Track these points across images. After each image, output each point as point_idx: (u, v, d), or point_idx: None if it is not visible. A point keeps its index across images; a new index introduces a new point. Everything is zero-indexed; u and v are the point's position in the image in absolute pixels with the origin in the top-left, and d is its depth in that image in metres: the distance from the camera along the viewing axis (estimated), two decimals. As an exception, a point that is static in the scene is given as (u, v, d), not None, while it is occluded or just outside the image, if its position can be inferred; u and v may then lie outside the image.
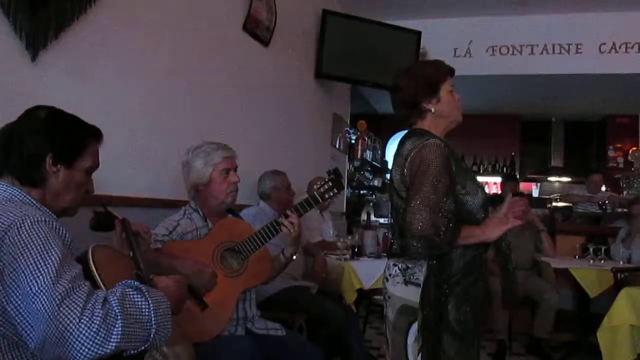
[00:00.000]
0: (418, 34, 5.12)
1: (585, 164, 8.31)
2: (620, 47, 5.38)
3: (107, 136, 1.43)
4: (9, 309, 1.13)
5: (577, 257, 4.60)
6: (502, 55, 5.74)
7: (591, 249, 4.45)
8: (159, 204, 2.52)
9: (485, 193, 1.80)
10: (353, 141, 6.05)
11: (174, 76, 2.74)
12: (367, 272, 3.49)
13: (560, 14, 5.46)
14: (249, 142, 3.39)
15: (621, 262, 4.17)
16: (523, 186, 8.03)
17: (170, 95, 2.72)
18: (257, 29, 3.60)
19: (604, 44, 5.41)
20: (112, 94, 2.31)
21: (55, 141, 1.30)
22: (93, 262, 1.31)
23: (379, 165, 7.26)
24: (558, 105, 7.60)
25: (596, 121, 8.28)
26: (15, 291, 1.12)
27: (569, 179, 8.23)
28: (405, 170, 1.71)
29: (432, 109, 1.79)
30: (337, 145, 5.56)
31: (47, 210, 1.28)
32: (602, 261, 4.27)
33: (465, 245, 1.67)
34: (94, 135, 1.39)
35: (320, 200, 2.33)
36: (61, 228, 1.23)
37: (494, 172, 8.22)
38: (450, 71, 1.85)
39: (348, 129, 5.92)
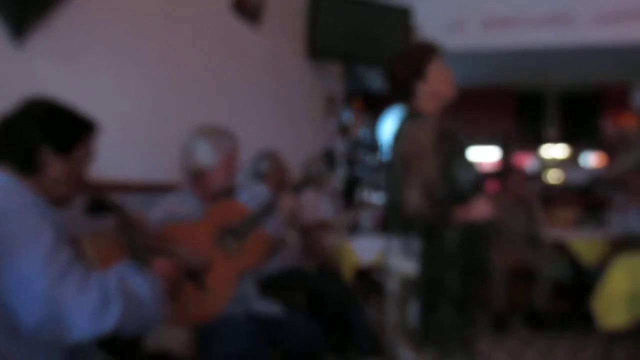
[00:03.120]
0: (407, 12, 5.09)
1: (580, 136, 8.32)
2: (614, 18, 5.34)
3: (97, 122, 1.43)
4: (3, 294, 1.14)
5: (572, 228, 4.64)
6: (495, 29, 5.70)
7: (586, 219, 4.49)
8: (153, 188, 2.51)
9: (477, 170, 1.83)
10: (347, 120, 6.03)
11: (163, 59, 2.71)
12: (365, 249, 3.51)
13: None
14: (240, 122, 3.37)
15: (618, 233, 4.20)
16: (518, 159, 8.05)
17: (160, 78, 2.70)
18: (246, 7, 3.56)
19: (599, 14, 5.37)
20: (100, 79, 2.29)
21: (53, 132, 1.32)
22: (89, 246, 1.32)
23: (373, 144, 7.26)
24: (553, 78, 7.59)
25: (591, 93, 8.26)
26: (10, 276, 1.13)
27: (564, 151, 8.25)
28: (402, 152, 1.81)
29: (423, 90, 1.86)
30: (331, 125, 5.54)
31: (42, 199, 1.29)
32: (598, 231, 4.31)
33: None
34: (90, 126, 1.40)
35: (316, 180, 2.34)
36: (55, 215, 1.24)
37: (492, 142, 8.22)
38: (436, 50, 1.91)
39: (342, 107, 5.90)
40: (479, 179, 1.80)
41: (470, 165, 1.78)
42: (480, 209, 1.72)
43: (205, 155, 2.20)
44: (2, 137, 1.31)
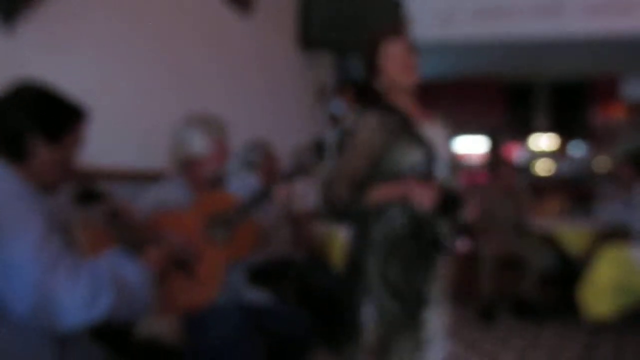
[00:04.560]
0: (399, 3, 5.08)
1: (569, 126, 8.38)
2: (604, 9, 5.36)
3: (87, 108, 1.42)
4: None
5: (560, 218, 4.68)
6: (485, 20, 5.70)
7: (574, 210, 4.54)
8: (141, 176, 2.51)
9: (424, 154, 1.75)
10: (337, 110, 6.02)
11: (153, 48, 2.70)
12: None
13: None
14: (229, 111, 3.36)
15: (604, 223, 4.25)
16: (507, 150, 8.11)
17: (149, 67, 2.69)
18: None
19: (588, 6, 5.39)
20: (89, 68, 2.28)
21: (42, 119, 1.30)
22: (79, 234, 1.32)
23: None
24: (542, 69, 7.62)
25: (580, 84, 8.32)
26: (1, 263, 1.13)
27: (552, 142, 8.31)
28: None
29: (383, 83, 1.82)
30: (322, 115, 5.54)
31: (31, 185, 1.28)
32: (585, 222, 4.35)
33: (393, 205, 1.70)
34: (80, 113, 1.39)
35: (306, 169, 2.34)
36: (44, 202, 1.24)
37: (480, 133, 8.25)
38: (386, 37, 1.83)
39: (332, 97, 5.89)
40: (427, 164, 1.72)
41: (415, 152, 1.72)
42: (419, 193, 1.63)
43: (197, 143, 2.19)
44: None
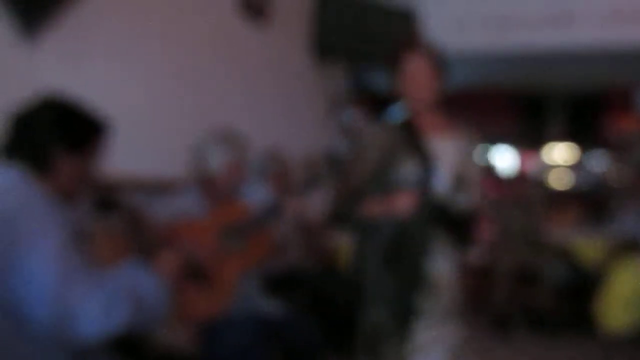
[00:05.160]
0: (412, 14, 5.10)
1: (584, 138, 8.31)
2: (618, 19, 5.33)
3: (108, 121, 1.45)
4: (13, 292, 1.15)
5: (575, 230, 4.63)
6: (498, 31, 5.70)
7: (589, 222, 4.49)
8: (158, 185, 2.53)
9: (420, 167, 1.76)
10: (351, 121, 6.03)
11: (169, 57, 2.73)
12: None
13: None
14: (243, 120, 3.38)
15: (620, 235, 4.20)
16: (521, 161, 8.07)
17: (166, 76, 2.72)
18: (251, 7, 3.57)
19: (603, 16, 5.36)
20: (107, 77, 2.31)
21: (64, 132, 1.34)
22: (96, 244, 1.33)
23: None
24: (556, 79, 7.58)
25: (594, 94, 8.26)
26: (19, 274, 1.14)
27: (567, 153, 8.25)
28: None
29: (400, 95, 1.84)
30: (335, 125, 5.54)
31: (52, 196, 1.31)
32: (600, 233, 4.31)
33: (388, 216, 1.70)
34: (102, 126, 1.42)
35: (319, 181, 2.35)
36: (64, 213, 1.25)
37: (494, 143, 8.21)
38: (401, 50, 1.84)
39: (346, 108, 5.90)
40: (421, 176, 1.73)
41: (410, 164, 1.73)
42: (397, 203, 1.65)
43: (216, 161, 2.22)
44: (16, 135, 1.33)
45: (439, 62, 1.84)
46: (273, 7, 3.80)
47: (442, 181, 1.76)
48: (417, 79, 1.80)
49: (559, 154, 8.32)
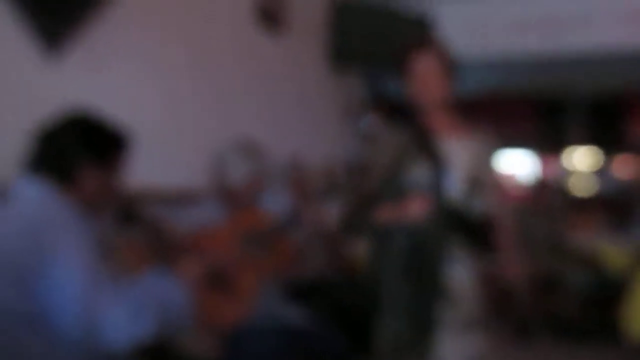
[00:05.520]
0: (428, 20, 5.09)
1: (607, 142, 8.18)
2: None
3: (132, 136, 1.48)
4: (41, 300, 1.17)
5: (599, 236, 4.56)
6: (517, 34, 5.66)
7: (613, 228, 4.43)
8: (177, 196, 2.56)
9: (431, 170, 1.70)
10: (368, 128, 6.02)
11: (189, 68, 2.77)
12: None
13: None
14: (261, 129, 3.41)
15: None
16: (542, 166, 7.97)
17: (185, 87, 2.76)
18: (269, 16, 3.60)
19: (622, 16, 5.29)
20: (129, 89, 2.35)
21: (91, 147, 1.38)
22: (120, 254, 1.36)
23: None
24: (577, 82, 7.49)
25: (617, 98, 8.13)
26: (47, 283, 1.17)
27: (589, 158, 8.13)
28: None
29: (408, 95, 1.77)
30: (352, 132, 5.55)
31: (77, 208, 1.33)
32: (625, 240, 4.24)
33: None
34: (124, 140, 1.45)
35: (338, 189, 2.36)
36: (89, 224, 1.28)
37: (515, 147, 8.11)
38: (411, 52, 1.78)
39: (363, 115, 5.90)
40: (433, 180, 1.66)
41: (421, 168, 1.67)
42: (410, 208, 1.61)
43: (236, 173, 2.24)
44: (42, 149, 1.36)
45: (449, 62, 1.78)
46: (290, 15, 3.82)
47: (455, 185, 1.70)
48: (427, 78, 1.74)
49: (581, 158, 8.20)
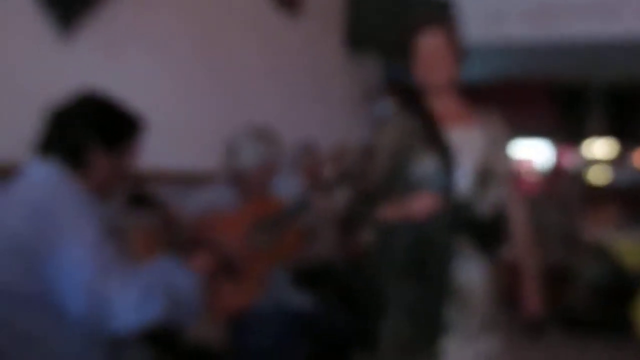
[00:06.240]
0: (447, 4, 5.00)
1: (627, 132, 8.04)
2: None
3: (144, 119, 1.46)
4: (51, 282, 1.18)
5: (616, 229, 4.50)
6: (537, 20, 5.54)
7: (631, 221, 4.37)
8: (190, 178, 2.56)
9: (439, 164, 1.59)
10: (383, 113, 5.98)
11: (202, 50, 2.75)
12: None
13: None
14: (276, 112, 3.39)
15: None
16: (558, 155, 7.87)
17: (198, 69, 2.74)
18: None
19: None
20: (141, 70, 2.34)
21: (102, 129, 1.36)
22: (130, 238, 1.36)
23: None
24: (597, 71, 7.34)
25: (638, 87, 7.97)
26: (57, 266, 1.17)
27: (608, 148, 8.01)
28: None
29: (414, 78, 1.66)
30: (368, 117, 5.51)
31: (87, 192, 1.33)
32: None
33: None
34: (137, 124, 1.43)
35: (351, 176, 2.33)
36: (99, 208, 1.28)
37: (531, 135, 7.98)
38: (417, 29, 1.66)
39: (379, 99, 5.85)
40: (442, 175, 1.56)
41: (429, 162, 1.57)
42: (416, 205, 1.51)
43: (249, 158, 2.22)
44: (53, 131, 1.35)
45: (458, 43, 1.66)
46: (305, 1, 3.77)
47: (464, 177, 1.58)
48: (432, 57, 1.61)
49: (600, 149, 8.07)
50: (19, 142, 1.47)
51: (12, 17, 1.82)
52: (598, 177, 6.62)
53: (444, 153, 1.57)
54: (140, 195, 1.60)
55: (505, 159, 1.71)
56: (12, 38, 1.82)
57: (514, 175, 1.82)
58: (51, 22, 1.90)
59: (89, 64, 2.01)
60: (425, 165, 1.57)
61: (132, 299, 1.15)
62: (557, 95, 8.10)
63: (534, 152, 7.92)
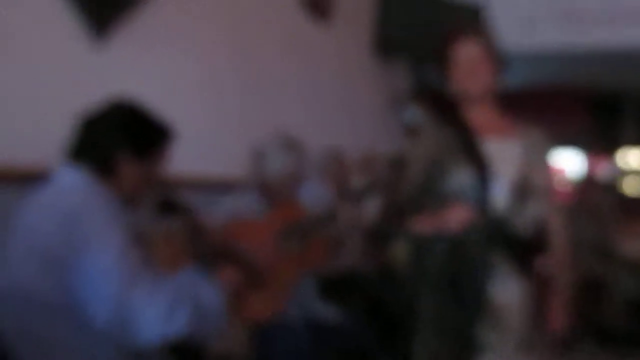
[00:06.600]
0: (479, 10, 4.93)
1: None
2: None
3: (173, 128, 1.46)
4: (77, 290, 1.17)
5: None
6: (570, 27, 5.42)
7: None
8: (217, 184, 2.56)
9: (474, 176, 1.55)
10: (413, 120, 5.92)
11: (232, 56, 2.76)
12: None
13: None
14: (303, 118, 3.37)
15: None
16: (591, 165, 7.69)
17: (229, 75, 2.75)
18: (315, 3, 3.55)
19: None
20: (174, 78, 2.35)
21: (132, 138, 1.36)
22: (157, 246, 1.35)
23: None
24: (632, 79, 7.16)
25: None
26: (83, 274, 1.16)
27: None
28: None
29: (450, 87, 1.63)
30: (397, 124, 5.46)
31: (114, 198, 1.33)
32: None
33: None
34: (166, 132, 1.44)
35: (379, 185, 2.30)
36: (127, 215, 1.27)
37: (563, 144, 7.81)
38: (453, 38, 1.63)
39: (409, 107, 5.79)
40: (477, 187, 1.51)
41: (464, 174, 1.53)
42: (450, 218, 1.47)
43: (274, 167, 2.22)
44: (84, 138, 1.36)
45: (495, 51, 1.63)
46: (336, 3, 3.76)
47: (501, 190, 1.54)
48: (469, 66, 1.58)
49: (634, 158, 7.85)
50: (51, 147, 1.47)
51: (46, 22, 1.84)
52: (632, 187, 6.43)
53: (480, 165, 1.53)
54: (168, 202, 1.60)
55: (546, 171, 1.66)
56: (46, 43, 1.84)
57: (554, 188, 1.77)
58: (85, 28, 1.92)
59: (121, 69, 2.02)
60: (461, 177, 1.53)
61: (159, 311, 1.14)
62: (590, 104, 7.92)
63: (565, 162, 7.74)
